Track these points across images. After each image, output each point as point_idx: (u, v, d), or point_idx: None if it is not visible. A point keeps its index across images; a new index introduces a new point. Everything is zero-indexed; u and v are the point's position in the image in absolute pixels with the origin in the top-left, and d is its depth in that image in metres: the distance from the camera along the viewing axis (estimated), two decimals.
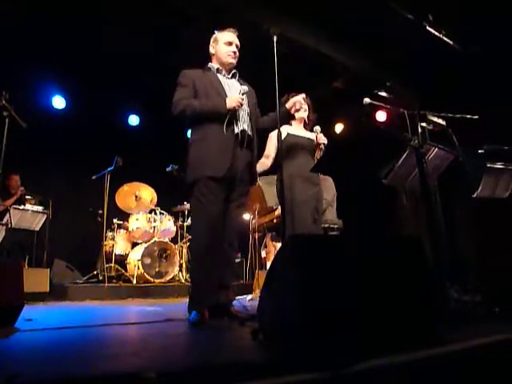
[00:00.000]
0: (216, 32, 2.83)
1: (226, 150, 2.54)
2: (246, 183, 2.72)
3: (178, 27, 4.99)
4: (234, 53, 2.76)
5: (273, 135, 3.17)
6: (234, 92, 2.68)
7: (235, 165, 2.56)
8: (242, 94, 2.64)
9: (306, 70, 5.44)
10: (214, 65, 2.79)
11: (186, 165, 2.62)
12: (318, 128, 3.17)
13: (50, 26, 4.85)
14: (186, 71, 2.72)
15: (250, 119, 2.72)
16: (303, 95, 2.98)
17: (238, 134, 2.61)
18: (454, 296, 2.55)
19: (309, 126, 3.31)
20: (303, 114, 3.25)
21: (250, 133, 2.68)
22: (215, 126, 2.56)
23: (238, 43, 2.80)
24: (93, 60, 5.41)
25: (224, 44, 2.75)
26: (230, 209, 2.66)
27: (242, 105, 2.59)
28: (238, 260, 6.89)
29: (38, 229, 5.17)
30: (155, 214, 5.88)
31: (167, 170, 5.70)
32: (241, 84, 2.78)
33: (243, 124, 2.66)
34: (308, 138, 3.21)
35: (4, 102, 3.57)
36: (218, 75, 2.75)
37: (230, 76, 2.79)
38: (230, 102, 2.55)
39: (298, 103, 2.86)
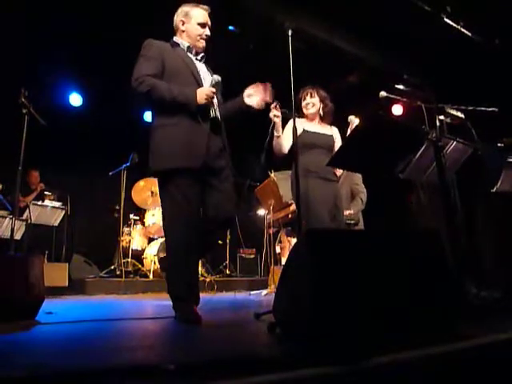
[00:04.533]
0: (187, 6, 2.54)
1: (200, 138, 2.32)
2: (226, 169, 2.48)
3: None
4: (207, 36, 2.53)
5: (286, 129, 3.03)
6: (205, 78, 2.49)
7: (210, 152, 2.34)
8: (213, 86, 2.40)
9: (321, 64, 5.39)
10: (183, 42, 2.52)
11: (153, 151, 2.36)
12: (352, 117, 3.05)
13: (67, 25, 4.90)
14: (152, 41, 2.43)
15: (219, 106, 2.53)
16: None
17: (211, 120, 2.41)
18: (473, 292, 2.52)
19: (327, 119, 3.20)
20: (311, 109, 3.13)
21: (220, 120, 2.50)
22: (186, 111, 2.32)
23: (210, 23, 2.55)
24: (109, 57, 5.45)
25: (197, 24, 2.50)
26: (216, 184, 2.43)
27: (212, 98, 2.36)
28: (252, 256, 6.93)
29: (56, 224, 5.27)
30: None
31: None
32: (207, 68, 2.59)
33: (216, 111, 2.47)
34: (324, 134, 3.11)
35: (23, 99, 3.63)
36: (189, 54, 2.51)
37: (199, 58, 2.57)
38: (201, 97, 2.31)
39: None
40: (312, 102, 3.14)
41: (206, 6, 2.55)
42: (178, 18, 2.56)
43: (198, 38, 2.51)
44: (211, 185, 2.42)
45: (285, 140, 3.01)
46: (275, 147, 3.03)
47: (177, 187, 2.29)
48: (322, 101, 3.16)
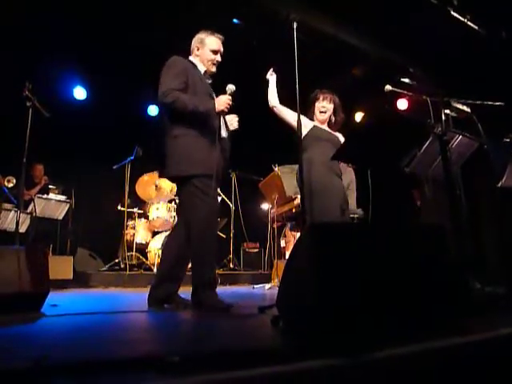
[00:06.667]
0: (203, 33, 2.80)
1: (216, 152, 2.56)
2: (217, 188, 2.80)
3: (199, 17, 4.96)
4: (218, 62, 2.79)
5: (293, 113, 2.99)
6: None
7: (219, 167, 2.61)
8: (230, 95, 2.62)
9: (326, 57, 5.36)
10: (200, 65, 2.78)
11: (182, 157, 2.57)
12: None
13: (71, 18, 4.89)
14: (179, 59, 2.69)
15: (226, 124, 2.78)
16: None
17: (223, 138, 2.68)
18: (477, 287, 2.51)
19: (336, 127, 3.24)
20: (324, 115, 3.18)
21: (227, 141, 2.76)
22: (203, 124, 2.57)
23: (222, 50, 2.80)
24: (113, 51, 5.44)
25: (210, 51, 2.76)
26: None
27: (230, 106, 2.59)
28: (256, 250, 6.96)
29: (61, 218, 5.29)
30: (175, 203, 5.93)
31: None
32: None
33: (224, 130, 2.72)
34: (332, 134, 3.18)
35: (27, 92, 3.62)
36: (206, 79, 2.78)
37: (209, 82, 2.82)
38: (219, 105, 2.56)
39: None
40: (327, 108, 3.18)
41: (220, 35, 2.80)
42: (194, 43, 2.82)
43: (210, 62, 2.77)
44: None
45: (287, 112, 3.07)
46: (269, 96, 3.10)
47: (208, 188, 2.51)
48: (335, 109, 3.21)
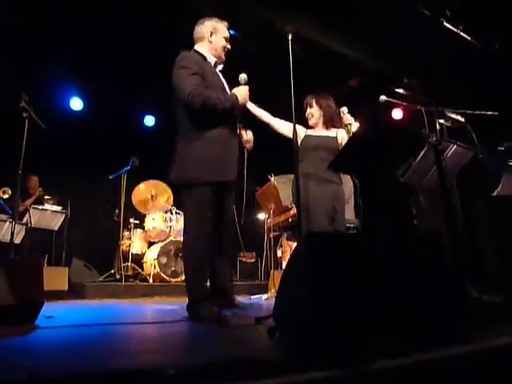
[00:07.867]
0: (212, 20, 2.71)
1: (234, 153, 2.49)
2: (234, 190, 2.70)
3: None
4: (228, 49, 2.72)
5: (289, 125, 2.99)
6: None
7: (237, 170, 2.54)
8: (245, 84, 2.55)
9: (321, 68, 5.40)
10: (209, 55, 2.66)
11: (184, 160, 2.46)
12: (344, 109, 3.05)
13: (67, 28, 4.91)
14: (189, 54, 2.56)
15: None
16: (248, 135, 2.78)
17: (240, 138, 2.61)
18: (474, 296, 2.51)
19: (331, 124, 3.20)
20: (312, 120, 3.20)
21: (242, 139, 2.68)
22: (222, 125, 2.46)
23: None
24: (109, 62, 5.47)
25: (223, 38, 2.68)
26: (231, 211, 2.66)
27: (248, 96, 2.53)
28: (252, 260, 6.92)
29: (56, 228, 5.26)
30: (171, 213, 5.92)
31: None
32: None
33: (240, 128, 2.65)
34: (327, 137, 3.15)
35: (24, 103, 3.63)
36: (216, 69, 2.67)
37: (220, 69, 2.73)
38: (242, 97, 2.47)
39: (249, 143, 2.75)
40: (311, 113, 3.21)
41: (225, 22, 2.73)
42: (205, 29, 2.69)
43: (222, 50, 2.68)
44: (228, 203, 2.64)
45: (282, 125, 3.10)
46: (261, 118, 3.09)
47: (206, 197, 2.40)
48: (321, 108, 3.19)
